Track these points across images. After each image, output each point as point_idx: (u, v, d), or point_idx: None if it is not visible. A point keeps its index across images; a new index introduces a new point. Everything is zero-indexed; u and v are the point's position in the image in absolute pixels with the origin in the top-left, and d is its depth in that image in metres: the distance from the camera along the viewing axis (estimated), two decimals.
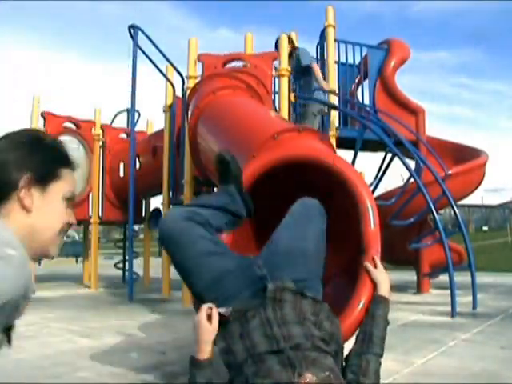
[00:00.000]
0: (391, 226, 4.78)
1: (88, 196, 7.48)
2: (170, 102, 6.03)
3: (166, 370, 2.44)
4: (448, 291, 4.29)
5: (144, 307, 4.87)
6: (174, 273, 6.52)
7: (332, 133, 5.69)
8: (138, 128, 7.11)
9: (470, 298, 4.51)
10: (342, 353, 1.81)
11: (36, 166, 1.06)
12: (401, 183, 5.44)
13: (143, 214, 7.77)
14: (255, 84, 4.78)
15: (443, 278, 5.60)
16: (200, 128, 4.27)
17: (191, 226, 1.92)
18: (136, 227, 14.44)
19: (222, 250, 1.96)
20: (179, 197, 5.58)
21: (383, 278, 2.04)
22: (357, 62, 6.35)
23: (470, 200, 7.63)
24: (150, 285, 7.36)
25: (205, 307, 1.75)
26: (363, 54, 6.41)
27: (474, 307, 4.47)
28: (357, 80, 6.60)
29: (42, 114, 6.93)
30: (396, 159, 4.86)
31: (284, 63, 5.16)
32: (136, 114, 6.71)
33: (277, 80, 5.28)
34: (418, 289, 5.99)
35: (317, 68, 5.72)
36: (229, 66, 5.33)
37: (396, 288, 6.09)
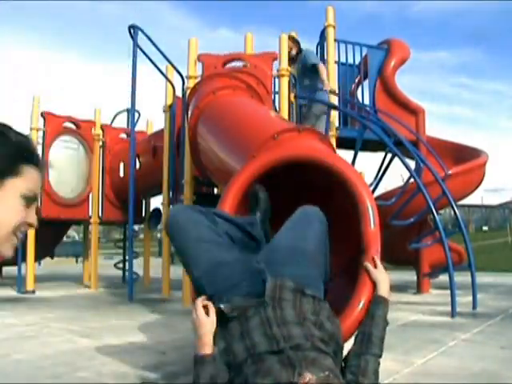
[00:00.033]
0: (391, 226, 4.78)
1: (88, 196, 7.48)
2: (170, 102, 6.03)
3: (166, 370, 2.44)
4: (448, 291, 4.29)
5: (144, 307, 4.87)
6: (174, 273, 6.54)
7: (332, 133, 5.69)
8: (138, 128, 7.11)
9: (470, 298, 4.51)
10: (342, 353, 1.81)
11: None
12: (401, 183, 5.45)
13: (143, 214, 7.77)
14: (255, 84, 4.78)
15: (443, 278, 5.60)
16: (200, 128, 4.27)
17: (201, 217, 1.99)
18: (136, 227, 14.44)
19: (225, 243, 1.99)
20: (179, 197, 5.58)
21: (383, 277, 2.04)
22: (357, 62, 6.35)
23: (470, 200, 7.63)
24: (150, 285, 7.36)
25: (200, 301, 1.79)
26: (363, 54, 6.41)
27: (474, 307, 4.47)
28: (357, 80, 6.60)
29: (42, 114, 6.93)
30: (396, 159, 4.86)
31: (284, 63, 5.16)
32: (136, 114, 6.71)
33: (277, 80, 5.28)
34: (418, 289, 5.99)
35: (323, 68, 5.66)
36: (229, 66, 5.33)
37: (396, 288, 6.09)
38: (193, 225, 1.97)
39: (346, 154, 5.48)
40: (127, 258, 7.08)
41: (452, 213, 5.48)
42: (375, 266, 2.08)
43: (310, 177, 2.97)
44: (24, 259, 6.60)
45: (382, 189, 5.86)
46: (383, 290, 2.00)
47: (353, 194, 2.36)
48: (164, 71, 5.96)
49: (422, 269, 5.91)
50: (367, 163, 6.72)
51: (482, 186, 6.08)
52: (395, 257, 6.06)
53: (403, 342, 3.07)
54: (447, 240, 4.56)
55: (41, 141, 6.91)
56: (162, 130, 6.23)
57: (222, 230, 2.05)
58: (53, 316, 4.38)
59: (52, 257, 9.45)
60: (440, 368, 2.45)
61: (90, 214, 7.36)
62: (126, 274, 7.34)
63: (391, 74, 6.32)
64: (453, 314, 4.12)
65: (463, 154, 6.21)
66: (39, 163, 1.10)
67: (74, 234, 32.52)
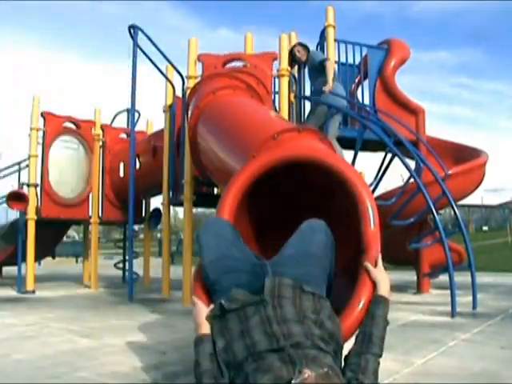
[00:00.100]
0: (391, 226, 4.77)
1: (88, 196, 7.49)
2: (170, 102, 6.03)
3: (167, 370, 2.44)
4: (448, 291, 4.29)
5: (144, 307, 4.87)
6: (174, 273, 6.53)
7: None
8: (138, 128, 7.11)
9: (470, 298, 4.51)
10: (342, 352, 1.81)
11: None
12: (401, 183, 5.44)
13: (143, 214, 7.77)
14: (255, 84, 4.78)
15: (443, 278, 5.60)
16: (200, 128, 4.27)
17: (228, 224, 2.31)
18: (136, 227, 14.44)
19: (240, 244, 2.21)
20: (179, 197, 5.58)
21: (383, 277, 2.04)
22: (357, 62, 6.35)
23: (470, 200, 7.63)
24: (150, 285, 7.37)
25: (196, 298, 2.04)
26: (363, 54, 6.40)
27: (474, 307, 4.47)
28: (357, 80, 6.59)
29: (42, 114, 6.93)
30: (396, 159, 4.86)
31: (284, 63, 5.16)
32: (136, 114, 6.71)
33: (277, 80, 5.28)
34: (418, 289, 5.99)
35: (330, 67, 5.54)
36: (229, 65, 5.33)
37: (396, 288, 6.09)
38: (218, 225, 2.26)
39: (346, 154, 5.47)
40: (127, 258, 7.08)
41: (452, 213, 5.48)
42: (375, 266, 2.09)
43: (310, 177, 2.98)
44: (24, 259, 6.60)
45: (382, 189, 5.86)
46: (383, 289, 2.00)
47: (353, 194, 2.36)
48: (164, 71, 5.96)
49: (422, 269, 5.91)
50: (367, 163, 6.72)
51: (482, 186, 6.08)
52: (395, 257, 6.06)
53: (403, 341, 3.07)
54: (447, 240, 4.55)
55: (41, 141, 6.91)
56: (162, 130, 6.22)
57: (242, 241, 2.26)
58: (53, 316, 4.38)
59: (53, 257, 9.46)
60: (440, 368, 2.45)
61: (90, 214, 7.37)
62: (126, 274, 7.34)
63: (391, 74, 6.32)
64: (453, 314, 4.12)
65: (463, 154, 6.21)
66: None
67: (73, 234, 32.53)
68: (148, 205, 7.89)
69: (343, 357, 1.81)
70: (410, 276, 6.81)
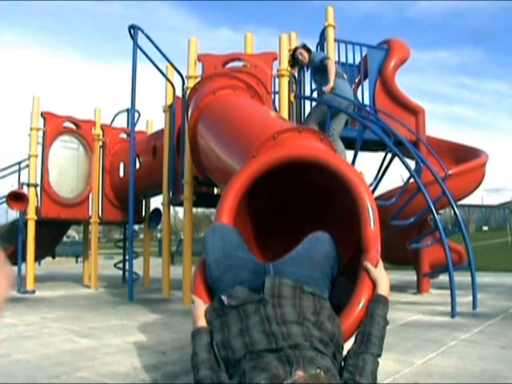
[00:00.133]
0: (391, 226, 4.78)
1: (88, 196, 7.49)
2: (170, 102, 6.03)
3: (167, 370, 2.44)
4: (448, 291, 4.29)
5: (144, 307, 4.88)
6: (174, 273, 6.51)
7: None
8: (138, 128, 7.11)
9: (470, 298, 4.51)
10: (342, 353, 1.81)
11: None
12: (401, 183, 5.44)
13: (143, 214, 7.77)
14: (255, 84, 4.78)
15: (443, 277, 5.60)
16: (200, 128, 4.27)
17: (234, 230, 2.36)
18: (136, 227, 14.44)
19: (244, 247, 2.27)
20: (179, 197, 5.58)
21: (382, 276, 2.04)
22: (357, 62, 6.35)
23: (470, 200, 7.64)
24: (150, 285, 7.37)
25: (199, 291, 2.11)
26: (363, 54, 6.41)
27: (474, 307, 4.47)
28: (357, 80, 6.60)
29: (41, 114, 6.94)
30: (396, 159, 4.86)
31: (284, 63, 5.16)
32: (136, 114, 6.71)
33: (277, 80, 5.28)
34: (418, 289, 5.99)
35: (331, 65, 5.46)
36: (229, 65, 5.33)
37: (396, 288, 6.09)
38: (226, 230, 2.32)
39: (347, 154, 5.47)
40: (127, 257, 7.08)
41: (452, 213, 5.48)
42: (376, 266, 2.09)
43: (310, 177, 2.98)
44: (24, 259, 6.60)
45: (382, 189, 5.86)
46: (383, 288, 2.00)
47: (353, 193, 2.36)
48: (164, 71, 5.96)
49: (422, 269, 5.91)
50: (367, 163, 6.72)
51: (482, 186, 6.08)
52: (395, 257, 6.06)
53: (403, 341, 3.07)
54: (447, 240, 4.55)
55: (41, 141, 6.91)
56: (162, 130, 6.23)
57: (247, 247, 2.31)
58: (53, 316, 4.38)
59: (53, 257, 9.46)
60: (440, 368, 2.45)
61: (90, 213, 7.37)
62: (126, 274, 7.34)
63: (391, 74, 6.31)
64: (453, 314, 4.12)
65: (463, 154, 6.21)
66: None
67: (73, 234, 32.54)
68: (148, 205, 7.89)
69: (343, 357, 1.80)
70: (410, 276, 6.81)
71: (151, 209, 7.77)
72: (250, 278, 1.97)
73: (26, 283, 6.52)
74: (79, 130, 7.46)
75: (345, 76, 5.72)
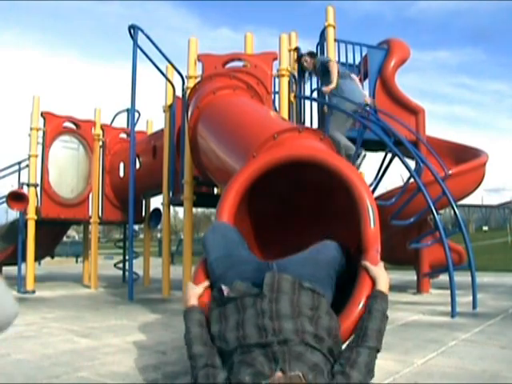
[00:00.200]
0: (391, 226, 4.77)
1: (88, 196, 7.49)
2: (170, 102, 6.03)
3: (167, 370, 2.44)
4: (448, 291, 4.29)
5: (144, 307, 4.87)
6: (173, 273, 6.51)
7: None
8: (138, 128, 7.12)
9: (470, 298, 4.51)
10: (340, 347, 1.81)
11: None
12: (401, 183, 5.44)
13: (143, 214, 7.78)
14: (255, 84, 4.78)
15: (443, 277, 5.60)
16: (200, 128, 4.27)
17: (234, 229, 2.36)
18: (136, 227, 14.45)
19: (245, 246, 2.29)
20: (179, 197, 5.58)
21: (382, 274, 2.04)
22: (357, 62, 6.35)
23: (470, 200, 7.63)
24: (150, 285, 7.37)
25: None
26: (363, 54, 6.41)
27: (474, 307, 4.47)
28: None
29: (41, 114, 6.93)
30: (396, 159, 4.86)
31: (284, 63, 5.16)
32: (136, 114, 6.71)
33: (277, 80, 5.28)
34: (418, 289, 5.99)
35: (333, 67, 5.52)
36: (229, 65, 5.33)
37: (396, 288, 6.09)
38: (226, 229, 2.33)
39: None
40: (127, 257, 7.08)
41: (452, 213, 5.47)
42: (376, 265, 2.09)
43: (310, 177, 2.98)
44: (24, 259, 6.60)
45: (382, 189, 5.86)
46: (381, 284, 2.00)
47: (353, 193, 2.36)
48: (164, 71, 5.96)
49: (422, 269, 5.91)
50: (367, 163, 6.71)
51: (482, 186, 6.08)
52: (395, 257, 6.06)
53: (403, 341, 3.07)
54: (447, 240, 4.55)
55: (41, 141, 6.91)
56: (162, 130, 6.23)
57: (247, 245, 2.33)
58: (53, 316, 4.38)
59: (52, 257, 9.45)
60: (440, 368, 2.45)
61: (90, 213, 7.37)
62: (126, 274, 7.34)
63: (391, 74, 6.31)
64: (453, 314, 4.12)
65: (463, 154, 6.20)
66: None
67: (74, 234, 32.54)
68: (148, 205, 7.89)
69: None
70: (410, 276, 6.81)
71: (151, 209, 7.77)
72: (254, 275, 1.97)
73: (26, 283, 6.51)
74: (79, 129, 7.46)
75: (353, 76, 5.73)
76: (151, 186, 6.82)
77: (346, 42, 6.30)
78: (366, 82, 6.48)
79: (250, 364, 1.56)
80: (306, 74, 6.06)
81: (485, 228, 33.38)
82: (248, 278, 1.95)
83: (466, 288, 4.68)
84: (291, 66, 5.54)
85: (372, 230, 2.22)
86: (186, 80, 5.57)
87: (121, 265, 8.09)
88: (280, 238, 3.03)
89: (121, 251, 8.33)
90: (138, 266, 6.52)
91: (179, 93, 5.91)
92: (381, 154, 5.24)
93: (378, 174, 5.15)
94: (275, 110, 5.13)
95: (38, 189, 6.89)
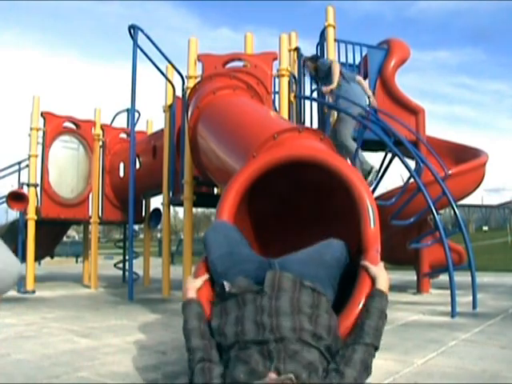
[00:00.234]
0: (391, 226, 4.77)
1: (88, 196, 7.49)
2: (170, 102, 6.03)
3: (167, 370, 2.44)
4: (448, 291, 4.29)
5: (144, 307, 4.87)
6: (173, 273, 6.51)
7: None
8: (138, 128, 7.12)
9: (470, 298, 4.51)
10: (339, 347, 1.81)
11: None
12: (401, 183, 5.44)
13: (143, 214, 7.78)
14: (255, 84, 4.78)
15: (443, 277, 5.60)
16: (200, 128, 4.27)
17: (235, 227, 2.37)
18: (136, 227, 14.46)
19: (246, 244, 2.30)
20: (179, 197, 5.58)
21: (381, 273, 2.04)
22: (357, 62, 6.35)
23: (470, 200, 7.63)
24: (150, 285, 7.37)
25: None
26: (363, 54, 6.41)
27: (474, 307, 4.47)
28: None
29: (41, 114, 6.93)
30: (396, 159, 4.85)
31: (284, 63, 5.16)
32: (136, 114, 6.71)
33: (277, 80, 5.28)
34: (418, 289, 5.99)
35: (335, 67, 5.50)
36: (229, 65, 5.33)
37: (396, 288, 6.09)
38: (227, 228, 2.33)
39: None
40: (127, 257, 7.08)
41: (452, 213, 5.47)
42: (376, 265, 2.09)
43: (310, 176, 2.98)
44: (24, 259, 6.59)
45: (382, 189, 5.85)
46: (381, 283, 2.00)
47: (353, 193, 2.36)
48: (164, 71, 5.96)
49: (422, 269, 5.91)
50: None
51: (482, 186, 6.08)
52: (395, 257, 6.06)
53: (403, 341, 3.07)
54: (447, 240, 4.55)
55: (41, 141, 6.91)
56: (162, 130, 6.22)
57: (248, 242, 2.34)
58: (53, 316, 4.38)
59: (52, 257, 9.45)
60: (440, 368, 2.45)
61: (90, 213, 7.36)
62: (126, 274, 7.34)
63: (391, 74, 6.31)
64: (453, 314, 4.12)
65: (463, 154, 6.21)
66: None
67: (74, 234, 32.54)
68: (148, 205, 7.89)
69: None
70: (410, 276, 6.81)
71: (151, 209, 7.77)
72: (256, 273, 1.98)
73: (26, 283, 6.51)
74: (79, 129, 7.46)
75: (357, 77, 5.72)
76: (151, 186, 6.82)
77: (346, 42, 6.30)
78: (366, 82, 6.48)
79: (246, 361, 1.58)
80: (308, 75, 6.05)
81: (485, 228, 33.38)
82: (250, 276, 1.97)
83: (466, 288, 4.68)
84: (291, 66, 5.54)
85: (372, 230, 2.22)
86: (186, 80, 5.56)
87: (121, 265, 8.09)
88: (280, 237, 3.03)
89: (121, 251, 8.33)
90: (137, 266, 6.51)
91: (179, 93, 5.90)
92: (381, 154, 5.25)
93: (378, 174, 5.15)
94: (275, 110, 5.13)
95: (38, 189, 6.89)
